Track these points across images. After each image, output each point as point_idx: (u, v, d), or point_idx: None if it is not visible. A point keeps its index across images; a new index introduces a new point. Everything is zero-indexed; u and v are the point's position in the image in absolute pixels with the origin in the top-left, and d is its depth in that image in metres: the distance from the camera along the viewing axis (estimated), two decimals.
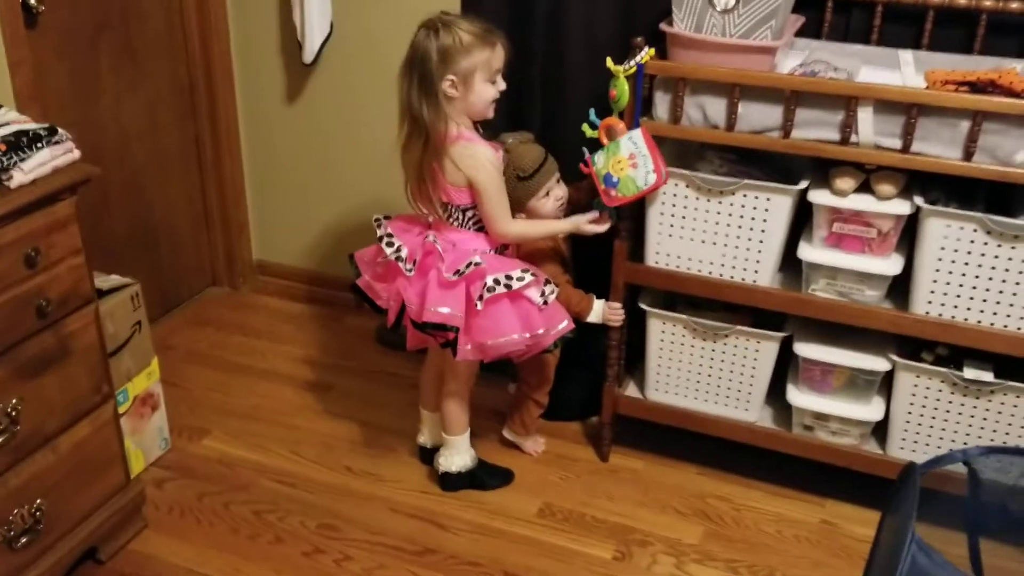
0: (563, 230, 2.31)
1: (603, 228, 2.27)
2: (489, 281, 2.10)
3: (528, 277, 2.13)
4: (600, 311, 2.37)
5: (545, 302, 2.16)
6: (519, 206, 2.30)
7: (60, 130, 1.91)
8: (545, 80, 2.57)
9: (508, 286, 2.10)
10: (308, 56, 2.88)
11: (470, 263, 2.11)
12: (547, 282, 2.19)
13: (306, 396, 2.83)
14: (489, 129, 2.31)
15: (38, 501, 1.96)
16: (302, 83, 3.07)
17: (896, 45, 2.30)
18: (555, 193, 2.33)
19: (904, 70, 2.23)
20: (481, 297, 2.09)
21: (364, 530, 2.32)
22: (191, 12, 3.00)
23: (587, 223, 2.27)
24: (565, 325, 2.20)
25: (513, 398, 2.61)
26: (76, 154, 1.94)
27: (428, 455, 2.54)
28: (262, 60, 3.09)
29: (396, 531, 2.32)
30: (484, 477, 2.46)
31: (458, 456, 2.44)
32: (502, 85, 2.14)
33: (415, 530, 2.32)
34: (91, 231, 2.78)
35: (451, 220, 2.20)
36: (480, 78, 2.08)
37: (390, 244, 2.20)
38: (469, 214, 2.19)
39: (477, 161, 2.12)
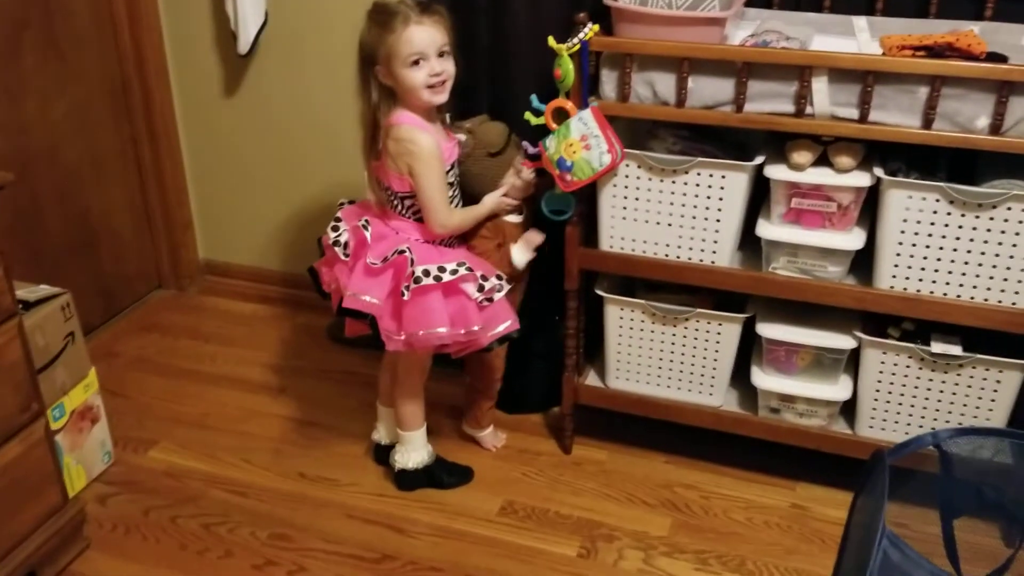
0: (486, 210, 2.21)
1: (530, 176, 2.22)
2: (418, 271, 2.02)
3: (462, 271, 2.05)
4: (521, 252, 2.26)
5: (488, 299, 2.08)
6: (493, 184, 2.21)
7: None
8: (492, 64, 2.46)
9: (438, 278, 2.02)
10: (243, 47, 2.76)
11: (397, 251, 2.04)
12: (488, 278, 2.10)
13: (257, 400, 2.72)
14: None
15: None
16: (240, 74, 2.95)
17: (849, 11, 2.21)
18: (524, 174, 2.24)
19: (859, 37, 2.15)
20: (408, 287, 2.01)
21: (319, 539, 2.22)
22: (120, 5, 2.87)
23: (513, 183, 2.22)
24: (507, 326, 2.12)
25: (465, 392, 2.52)
26: None
27: (383, 453, 2.45)
28: (197, 53, 2.97)
29: (353, 538, 2.22)
30: (442, 475, 2.38)
31: (414, 452, 2.35)
32: (436, 68, 2.02)
33: (372, 536, 2.23)
34: (22, 239, 2.69)
35: (393, 207, 2.13)
36: (398, 64, 2.00)
37: (335, 228, 2.15)
38: (408, 203, 2.11)
39: (413, 148, 2.04)
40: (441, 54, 2.02)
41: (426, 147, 2.04)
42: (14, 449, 1.95)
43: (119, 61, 2.93)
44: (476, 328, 2.08)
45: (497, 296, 2.11)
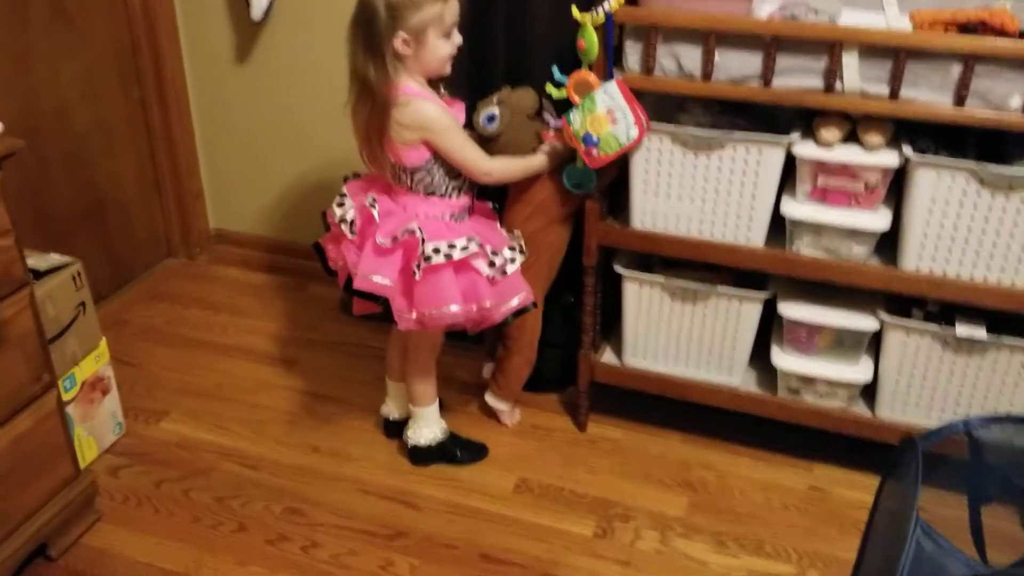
0: (543, 162, 2.17)
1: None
2: (428, 249, 1.98)
3: (473, 247, 2.01)
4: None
5: (503, 273, 2.05)
6: (532, 147, 2.17)
7: None
8: (508, 34, 2.40)
9: (448, 255, 1.99)
10: (257, 13, 2.71)
11: (406, 230, 2.00)
12: (498, 252, 2.05)
13: (269, 372, 2.69)
14: (453, 87, 2.18)
15: None
16: (252, 41, 2.90)
17: None
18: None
19: (887, 11, 2.09)
20: (419, 266, 1.98)
21: (332, 514, 2.20)
22: None
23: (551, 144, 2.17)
24: (522, 298, 2.09)
25: (499, 359, 2.44)
26: None
27: (394, 428, 2.43)
28: (209, 18, 2.91)
29: (366, 514, 2.20)
30: (455, 450, 2.35)
31: (427, 428, 2.32)
32: (458, 39, 2.00)
33: (386, 512, 2.21)
34: (31, 207, 2.65)
35: (401, 183, 2.08)
36: (433, 34, 1.95)
37: (340, 204, 2.11)
38: (417, 176, 2.06)
39: (424, 117, 1.98)
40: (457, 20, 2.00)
41: (435, 114, 1.99)
42: (25, 421, 1.93)
43: (128, 24, 2.88)
44: (488, 304, 2.05)
45: (511, 269, 2.07)
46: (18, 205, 2.44)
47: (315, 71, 2.86)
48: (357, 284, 2.01)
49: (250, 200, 3.19)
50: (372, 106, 1.97)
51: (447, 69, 2.03)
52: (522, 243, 2.16)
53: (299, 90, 2.92)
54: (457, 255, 2.00)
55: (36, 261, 2.14)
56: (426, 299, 2.02)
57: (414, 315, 2.03)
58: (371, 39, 1.93)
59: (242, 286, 3.11)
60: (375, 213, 2.05)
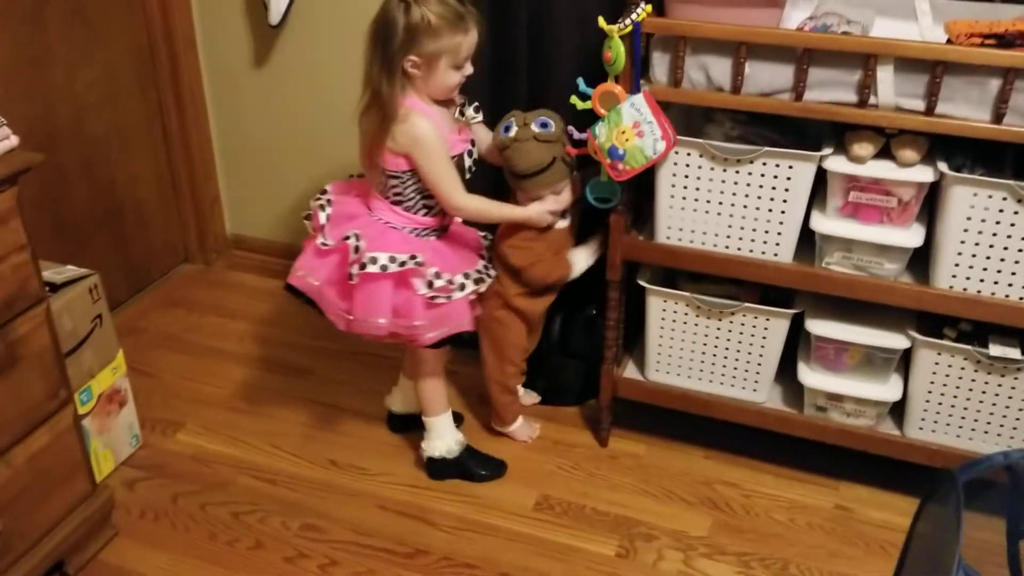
0: (521, 217, 2.13)
1: (560, 205, 2.15)
2: (367, 257, 1.98)
3: (411, 264, 1.99)
4: (583, 260, 2.21)
5: (447, 297, 2.04)
6: (557, 173, 2.12)
7: None
8: (531, 44, 2.36)
9: (385, 267, 1.98)
10: (275, 17, 2.67)
11: (346, 236, 2.00)
12: (442, 275, 2.03)
13: (286, 382, 2.66)
14: (474, 96, 2.15)
15: None
16: (270, 45, 2.86)
17: None
18: (554, 198, 2.13)
19: (921, 20, 2.04)
20: (354, 272, 1.99)
21: (350, 530, 2.17)
22: None
23: (548, 209, 2.14)
24: (454, 327, 2.07)
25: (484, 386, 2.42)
26: (14, 141, 1.74)
27: (397, 422, 2.45)
28: (226, 22, 2.88)
29: (384, 531, 2.17)
30: (473, 467, 2.32)
31: (439, 440, 2.29)
32: (469, 70, 2.00)
33: (404, 529, 2.17)
34: (48, 212, 2.63)
35: (377, 186, 2.08)
36: (445, 64, 1.94)
37: (316, 199, 2.14)
38: (391, 183, 2.04)
39: (414, 134, 1.96)
40: (473, 49, 1.99)
41: (425, 134, 1.97)
42: (42, 438, 1.91)
43: (146, 27, 2.85)
44: (417, 323, 2.03)
45: (457, 295, 2.05)
46: (35, 210, 2.44)
47: (333, 76, 2.82)
48: (289, 279, 2.08)
49: (268, 205, 3.15)
50: (378, 115, 1.97)
51: (456, 97, 2.06)
52: (489, 273, 2.16)
53: (317, 95, 2.88)
54: (393, 268, 1.99)
55: (52, 274, 2.11)
56: (359, 306, 2.03)
57: (351, 317, 2.05)
58: (386, 54, 1.92)
59: (259, 293, 3.08)
60: (321, 216, 2.07)
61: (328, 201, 2.11)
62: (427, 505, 2.24)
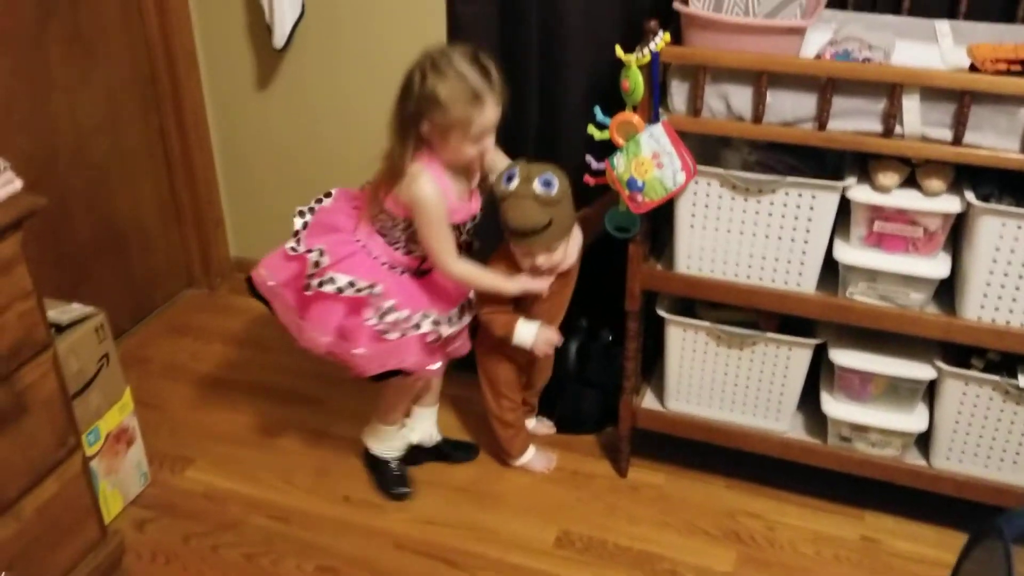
0: (510, 291, 2.10)
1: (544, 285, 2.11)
2: (327, 276, 1.99)
3: (365, 292, 1.98)
4: (528, 335, 2.13)
5: (401, 334, 2.02)
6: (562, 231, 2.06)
7: None
8: (542, 74, 2.32)
9: (340, 290, 1.98)
10: (279, 41, 2.62)
11: (310, 249, 2.00)
12: (398, 311, 2.01)
13: (296, 413, 2.61)
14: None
15: (3, 574, 1.75)
16: (273, 68, 2.81)
17: (929, 12, 2.07)
18: (542, 259, 2.05)
19: (941, 43, 2.00)
20: (310, 285, 1.99)
21: (367, 571, 2.12)
22: None
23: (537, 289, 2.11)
24: (397, 364, 2.05)
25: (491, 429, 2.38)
26: (17, 184, 1.69)
27: (416, 454, 2.41)
28: (229, 44, 2.83)
29: (402, 572, 2.12)
30: (386, 482, 2.35)
31: (375, 442, 2.35)
32: (487, 145, 1.95)
33: (424, 570, 2.12)
34: (48, 239, 2.57)
35: (371, 210, 2.06)
36: (457, 136, 1.90)
37: (309, 204, 2.15)
38: (383, 217, 2.04)
39: (417, 196, 1.94)
40: (495, 125, 1.94)
41: (427, 197, 1.94)
42: (50, 488, 1.85)
43: (147, 50, 2.79)
44: (357, 352, 2.02)
45: (411, 333, 2.03)
46: (36, 239, 2.37)
47: (336, 98, 2.77)
48: (252, 272, 2.10)
49: (271, 228, 3.08)
50: (396, 169, 1.96)
51: (474, 168, 2.04)
52: (461, 320, 2.13)
53: (320, 117, 2.83)
54: (349, 292, 1.98)
55: (57, 314, 2.06)
56: (310, 318, 2.04)
57: (302, 323, 2.05)
58: (402, 114, 1.92)
59: (264, 318, 2.99)
60: (298, 222, 2.07)
61: (311, 209, 2.11)
62: (445, 543, 2.19)
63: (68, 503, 1.91)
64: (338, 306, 2.01)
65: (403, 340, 2.03)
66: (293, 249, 2.03)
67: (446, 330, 2.08)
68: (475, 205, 2.08)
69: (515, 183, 1.98)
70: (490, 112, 1.89)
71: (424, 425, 2.39)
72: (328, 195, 2.15)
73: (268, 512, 2.28)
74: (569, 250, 2.11)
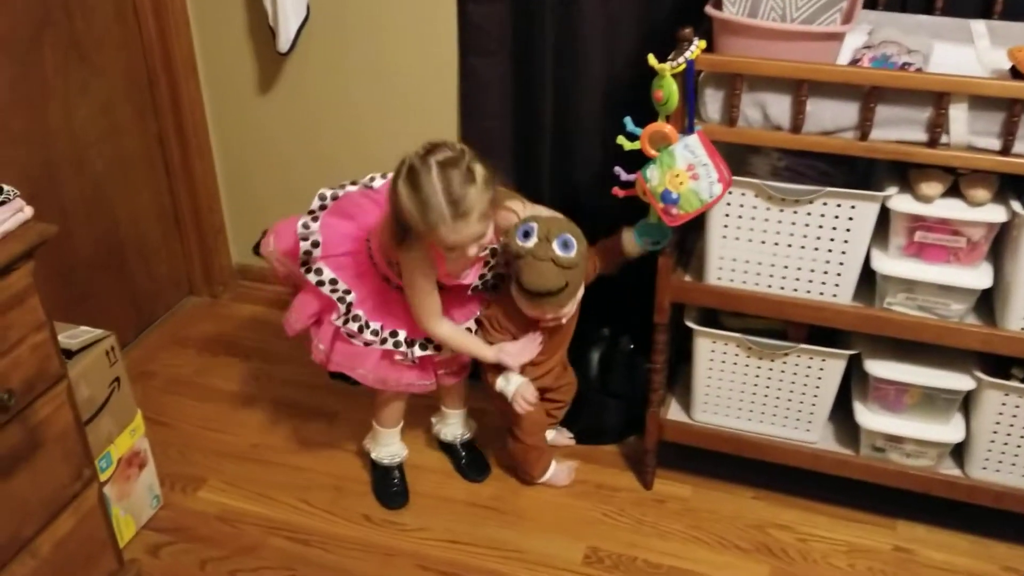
0: (487, 357, 2.10)
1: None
2: (314, 264, 2.03)
3: (337, 295, 2.03)
4: (508, 387, 2.11)
5: (364, 343, 2.05)
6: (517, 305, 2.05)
7: (5, 187, 1.57)
8: (557, 81, 2.26)
9: (320, 283, 2.03)
10: (283, 45, 2.52)
11: (306, 237, 2.02)
12: (362, 320, 2.04)
13: (309, 428, 2.54)
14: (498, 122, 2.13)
15: None
16: (275, 73, 2.72)
17: (963, 11, 2.01)
18: (551, 315, 2.03)
19: (978, 44, 1.94)
20: (303, 265, 2.04)
21: None
22: None
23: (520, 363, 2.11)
24: (350, 370, 2.10)
25: (509, 444, 2.29)
26: (28, 212, 1.60)
27: (447, 448, 2.42)
28: (228, 48, 2.73)
29: None
30: (379, 488, 2.33)
31: (374, 444, 2.32)
32: (472, 253, 1.90)
33: None
34: (49, 253, 2.46)
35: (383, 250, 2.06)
36: (437, 243, 1.87)
37: (342, 186, 2.17)
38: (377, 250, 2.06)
39: (404, 262, 1.97)
40: (480, 237, 1.88)
41: (413, 266, 1.96)
42: (66, 523, 1.78)
43: (144, 55, 2.69)
44: (320, 348, 2.10)
45: (378, 347, 2.05)
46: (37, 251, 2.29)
47: (340, 104, 2.69)
48: (264, 235, 2.17)
49: None
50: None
51: (467, 277, 2.03)
52: (436, 347, 2.11)
53: (324, 123, 2.75)
54: (324, 290, 2.03)
55: (66, 339, 1.98)
56: (294, 307, 2.13)
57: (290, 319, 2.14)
58: (392, 210, 1.89)
59: (269, 326, 2.94)
60: (315, 202, 2.09)
61: (334, 196, 2.11)
62: (470, 563, 2.14)
63: (85, 536, 1.83)
64: (311, 299, 2.09)
65: (364, 349, 2.06)
66: (305, 226, 2.03)
67: (417, 352, 2.07)
68: (474, 274, 2.05)
69: (532, 241, 1.93)
70: (467, 230, 1.82)
71: (451, 425, 2.38)
72: (355, 183, 2.15)
73: (287, 533, 2.22)
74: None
